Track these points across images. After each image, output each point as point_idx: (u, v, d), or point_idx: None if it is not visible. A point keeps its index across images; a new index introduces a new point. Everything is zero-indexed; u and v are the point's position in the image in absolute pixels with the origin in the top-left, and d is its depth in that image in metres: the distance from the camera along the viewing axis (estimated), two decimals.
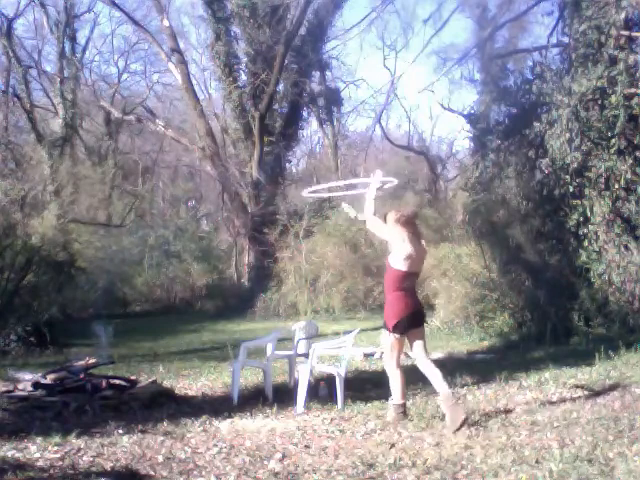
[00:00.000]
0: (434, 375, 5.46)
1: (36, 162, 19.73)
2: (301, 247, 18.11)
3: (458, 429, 5.02)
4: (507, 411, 5.68)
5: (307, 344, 7.00)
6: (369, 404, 6.13)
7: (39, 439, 4.83)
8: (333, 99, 25.06)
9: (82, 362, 6.52)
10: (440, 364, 8.79)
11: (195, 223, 27.69)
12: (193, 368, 8.86)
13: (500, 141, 11.89)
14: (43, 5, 23.14)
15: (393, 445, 4.75)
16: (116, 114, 24.76)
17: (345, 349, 6.49)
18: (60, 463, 4.35)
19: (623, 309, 10.22)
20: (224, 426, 5.43)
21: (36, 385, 6.02)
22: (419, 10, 62.87)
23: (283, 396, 6.45)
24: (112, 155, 25.90)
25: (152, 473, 4.22)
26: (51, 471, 4.19)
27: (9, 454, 4.50)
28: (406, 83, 54.66)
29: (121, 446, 4.75)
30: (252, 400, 6.33)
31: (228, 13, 20.15)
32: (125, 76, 29.81)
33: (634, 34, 10.36)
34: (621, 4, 10.06)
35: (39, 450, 4.59)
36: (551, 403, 5.95)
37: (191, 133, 23.15)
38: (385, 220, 5.53)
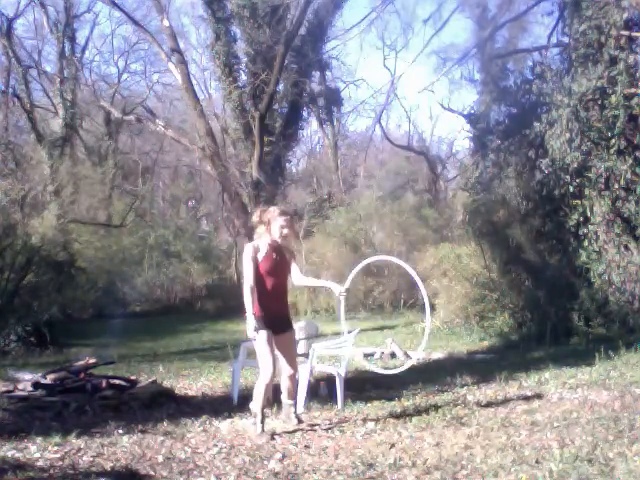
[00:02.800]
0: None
1: (36, 162, 19.70)
2: (301, 247, 18.11)
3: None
4: (507, 411, 5.68)
5: (307, 344, 6.99)
6: (369, 404, 6.13)
7: (39, 439, 4.82)
8: (333, 99, 25.07)
9: (82, 362, 6.52)
10: (440, 364, 8.91)
11: (195, 223, 27.71)
12: (193, 368, 8.85)
13: (500, 141, 11.89)
14: (43, 5, 23.10)
15: (393, 445, 4.75)
16: (116, 114, 24.70)
17: (345, 349, 6.48)
18: (60, 463, 4.34)
19: (623, 309, 10.22)
20: (224, 426, 5.42)
21: (36, 385, 6.01)
22: (419, 10, 62.83)
23: None
24: (112, 155, 25.84)
25: (152, 473, 4.22)
26: (51, 471, 4.18)
27: (9, 454, 4.49)
28: (406, 83, 54.62)
29: (121, 446, 4.75)
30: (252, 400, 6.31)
31: (228, 13, 20.12)
32: (125, 76, 29.80)
33: (634, 34, 10.36)
34: (621, 4, 10.07)
35: (39, 450, 4.58)
36: (551, 403, 5.94)
37: (191, 133, 23.11)
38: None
